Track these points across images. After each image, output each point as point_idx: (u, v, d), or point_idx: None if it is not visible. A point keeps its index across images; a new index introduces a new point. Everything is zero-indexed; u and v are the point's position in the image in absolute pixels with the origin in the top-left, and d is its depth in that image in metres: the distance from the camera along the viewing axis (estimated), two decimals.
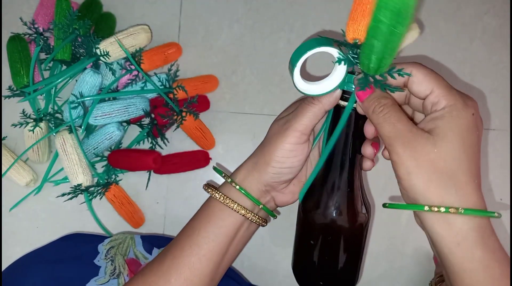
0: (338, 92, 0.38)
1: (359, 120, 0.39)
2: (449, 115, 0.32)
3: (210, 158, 0.63)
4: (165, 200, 0.64)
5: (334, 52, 0.36)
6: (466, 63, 0.67)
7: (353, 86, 0.38)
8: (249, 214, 0.41)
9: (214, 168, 0.47)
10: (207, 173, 0.64)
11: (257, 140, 0.64)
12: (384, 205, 0.38)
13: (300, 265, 0.45)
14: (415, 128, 0.33)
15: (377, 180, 0.65)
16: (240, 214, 0.41)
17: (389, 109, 0.34)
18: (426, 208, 0.32)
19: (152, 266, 0.41)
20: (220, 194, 0.41)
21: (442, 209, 0.31)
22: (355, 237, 0.43)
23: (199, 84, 0.62)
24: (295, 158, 0.40)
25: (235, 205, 0.41)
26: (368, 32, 0.31)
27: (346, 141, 0.40)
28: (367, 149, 0.40)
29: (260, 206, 0.42)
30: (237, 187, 0.41)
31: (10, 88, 0.60)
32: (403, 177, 0.33)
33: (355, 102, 0.38)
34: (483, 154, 0.65)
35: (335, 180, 0.41)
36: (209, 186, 0.43)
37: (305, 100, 0.40)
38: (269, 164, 0.40)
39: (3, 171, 0.59)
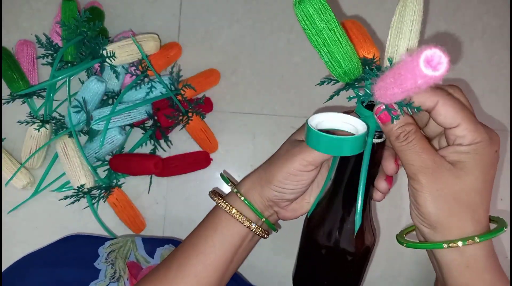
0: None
1: (376, 152, 0.38)
2: (474, 152, 0.33)
3: (211, 159, 0.63)
4: (165, 200, 0.64)
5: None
6: (466, 63, 0.67)
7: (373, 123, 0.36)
8: (253, 226, 0.41)
9: (221, 176, 0.46)
10: (207, 174, 0.64)
11: (257, 140, 0.64)
12: (400, 242, 0.39)
13: (300, 280, 0.45)
14: (438, 158, 0.34)
15: None
16: (245, 225, 0.41)
17: (414, 137, 0.34)
18: (445, 245, 0.33)
19: (159, 273, 0.41)
20: (226, 204, 0.42)
21: (460, 244, 0.32)
22: (358, 262, 0.42)
23: (203, 79, 0.63)
24: (298, 182, 0.39)
25: (240, 216, 0.41)
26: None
27: (358, 171, 0.38)
28: (381, 184, 0.40)
29: (263, 220, 0.42)
30: (242, 198, 0.42)
31: (11, 95, 0.60)
32: (422, 205, 0.34)
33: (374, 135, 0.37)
34: None
35: (345, 208, 0.40)
36: (215, 194, 0.43)
37: None
38: (271, 182, 0.40)
39: (7, 178, 0.59)
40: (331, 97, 0.37)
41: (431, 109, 0.33)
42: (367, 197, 0.40)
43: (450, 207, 0.33)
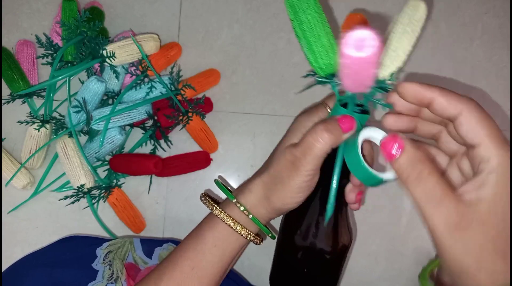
0: (349, 134, 0.37)
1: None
2: (495, 183, 0.27)
3: (211, 159, 0.63)
4: (165, 200, 0.64)
5: (378, 133, 0.35)
6: (466, 63, 0.67)
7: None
8: (256, 239, 0.41)
9: (216, 183, 0.45)
10: (207, 174, 0.64)
11: (257, 140, 0.64)
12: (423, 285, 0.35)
13: (277, 279, 0.46)
14: (457, 205, 0.28)
15: None
16: (249, 239, 0.41)
17: (425, 179, 0.29)
18: None
19: (149, 283, 0.40)
20: (232, 219, 0.40)
21: None
22: (334, 263, 0.42)
23: (203, 79, 0.63)
24: (307, 188, 0.39)
25: (245, 232, 0.40)
26: None
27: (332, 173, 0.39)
28: (349, 196, 0.40)
29: (269, 235, 0.42)
30: (250, 216, 0.40)
31: (11, 95, 0.60)
32: (440, 252, 0.29)
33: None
34: None
35: (320, 208, 0.41)
36: (210, 201, 0.42)
37: (312, 133, 0.37)
38: (283, 200, 0.39)
39: (7, 178, 0.59)
40: (303, 90, 0.37)
41: (454, 118, 0.29)
42: (341, 197, 0.41)
43: (475, 259, 0.27)
